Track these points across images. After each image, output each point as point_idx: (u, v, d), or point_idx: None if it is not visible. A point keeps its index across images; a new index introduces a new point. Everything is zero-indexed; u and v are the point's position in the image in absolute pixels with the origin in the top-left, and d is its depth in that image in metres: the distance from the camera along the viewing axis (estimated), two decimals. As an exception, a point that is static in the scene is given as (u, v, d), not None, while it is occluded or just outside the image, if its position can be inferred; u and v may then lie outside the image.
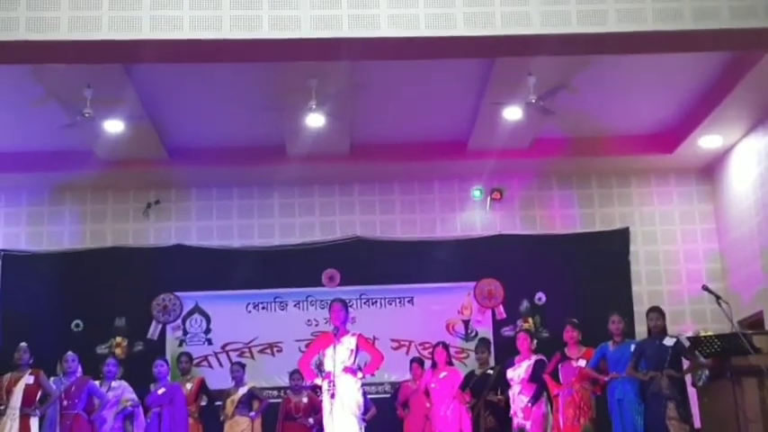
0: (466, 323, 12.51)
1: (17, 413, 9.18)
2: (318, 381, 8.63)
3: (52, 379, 9.77)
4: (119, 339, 12.08)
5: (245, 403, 10.60)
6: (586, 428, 9.03)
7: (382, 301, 12.59)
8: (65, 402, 9.70)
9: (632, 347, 8.79)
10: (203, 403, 10.73)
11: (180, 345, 12.26)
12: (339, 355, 8.39)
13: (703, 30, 7.69)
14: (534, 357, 9.75)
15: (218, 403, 10.77)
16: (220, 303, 12.52)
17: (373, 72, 9.67)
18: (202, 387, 10.74)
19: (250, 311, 12.57)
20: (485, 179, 12.61)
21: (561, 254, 12.41)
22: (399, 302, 12.60)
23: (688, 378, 8.62)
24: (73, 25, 7.43)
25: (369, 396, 10.34)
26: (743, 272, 11.71)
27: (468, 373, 10.54)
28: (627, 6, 7.65)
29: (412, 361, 11.16)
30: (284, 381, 11.48)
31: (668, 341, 8.49)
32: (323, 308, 11.78)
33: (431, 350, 11.03)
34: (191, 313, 12.49)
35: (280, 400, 11.10)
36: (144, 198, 12.64)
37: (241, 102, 10.52)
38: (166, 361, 10.84)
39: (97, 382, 10.11)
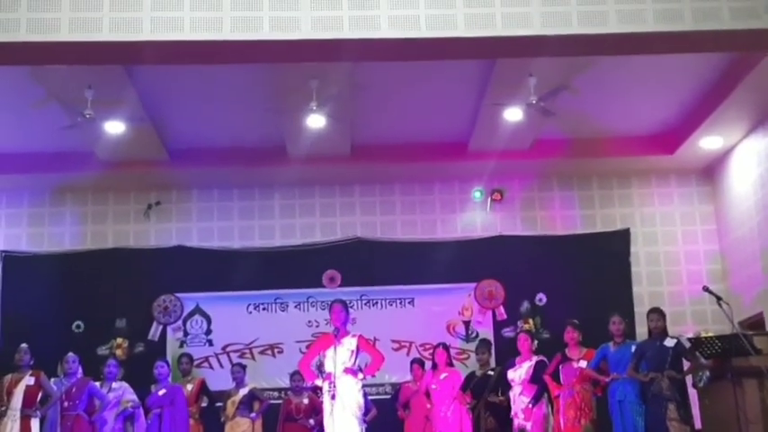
0: (466, 324, 12.51)
1: (18, 414, 9.18)
2: (319, 382, 8.62)
3: (53, 380, 9.77)
4: (119, 340, 12.08)
5: (246, 404, 10.61)
6: (587, 429, 9.04)
7: (383, 302, 12.59)
8: (65, 403, 9.70)
9: (633, 348, 8.80)
10: (204, 404, 10.73)
11: (181, 346, 12.26)
12: (340, 356, 8.38)
13: (704, 31, 7.68)
14: (535, 358, 9.75)
15: (218, 404, 10.77)
16: (221, 304, 12.52)
17: (374, 73, 9.67)
18: (203, 388, 10.73)
19: (251, 312, 12.57)
20: (485, 180, 12.62)
21: (562, 255, 12.42)
22: (400, 303, 12.60)
23: (689, 379, 8.62)
24: (73, 26, 7.42)
25: (369, 397, 10.34)
26: (743, 273, 11.71)
27: (468, 374, 10.54)
28: (627, 7, 7.65)
29: (412, 362, 11.16)
30: (285, 382, 11.48)
31: (669, 342, 8.49)
32: (323, 309, 11.77)
33: (431, 351, 11.01)
34: (191, 314, 12.49)
35: (280, 402, 11.11)
36: (145, 199, 12.65)
37: (242, 103, 10.52)
38: (167, 362, 10.83)
39: (98, 383, 10.11)
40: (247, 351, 12.37)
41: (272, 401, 11.22)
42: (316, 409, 10.19)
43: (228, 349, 12.38)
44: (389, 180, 12.72)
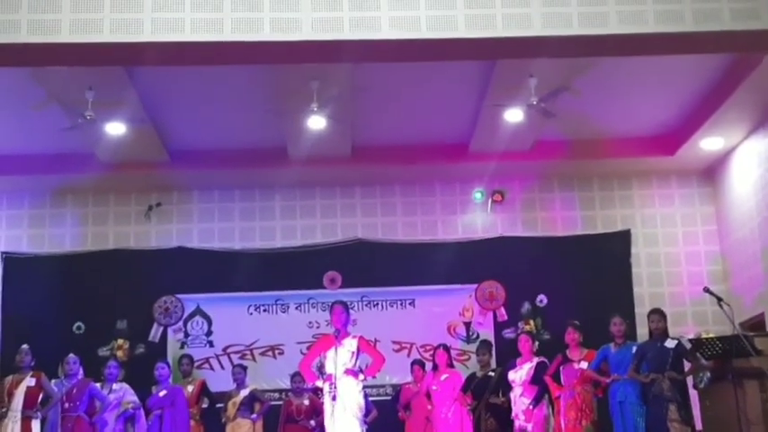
0: (467, 325, 12.51)
1: (18, 415, 9.16)
2: (320, 383, 8.62)
3: (54, 381, 9.76)
4: (120, 342, 12.08)
5: (247, 405, 10.61)
6: (588, 430, 9.04)
7: (383, 303, 12.58)
8: (66, 404, 9.69)
9: (634, 349, 8.79)
10: (204, 405, 10.72)
11: (181, 347, 12.26)
12: (340, 358, 8.38)
13: (704, 32, 7.68)
14: (536, 359, 9.76)
15: (219, 405, 10.77)
16: (222, 305, 12.53)
17: (374, 74, 9.68)
18: (204, 389, 10.73)
19: (251, 314, 12.57)
20: (486, 181, 12.62)
21: (562, 256, 12.41)
22: (401, 304, 12.60)
23: (689, 380, 8.62)
24: (74, 28, 7.42)
25: (370, 398, 10.34)
26: (744, 274, 11.70)
27: (469, 375, 10.56)
28: (628, 8, 7.65)
29: (413, 363, 11.15)
30: (285, 383, 11.49)
31: (669, 343, 8.48)
32: (324, 310, 11.78)
33: (432, 352, 11.00)
34: (192, 315, 12.49)
35: (281, 403, 11.12)
36: (145, 200, 12.65)
37: (242, 104, 10.53)
38: (168, 363, 10.83)
39: (98, 385, 10.10)
40: (248, 352, 12.37)
41: (273, 403, 11.22)
42: (316, 411, 10.19)
43: (229, 350, 12.38)
44: (390, 181, 12.72)
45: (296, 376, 10.58)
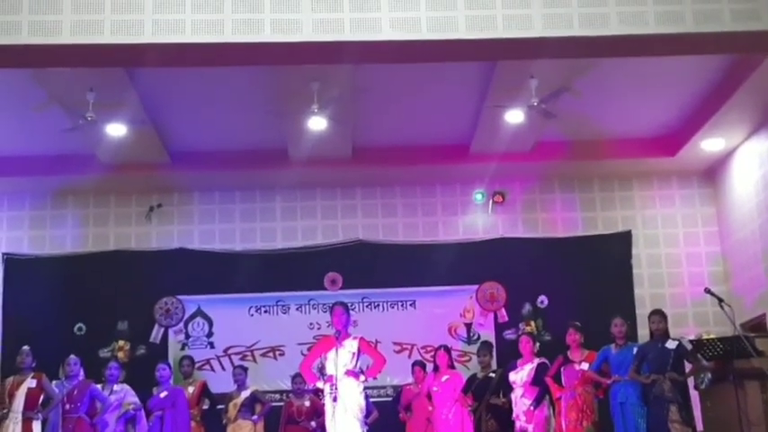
0: (468, 326, 12.50)
1: (20, 417, 9.15)
2: (320, 384, 8.62)
3: (54, 382, 9.75)
4: (121, 343, 12.08)
5: (248, 407, 10.60)
6: (588, 431, 9.04)
7: (384, 304, 12.58)
8: (67, 406, 9.68)
9: (635, 350, 8.80)
10: (205, 407, 10.72)
11: (182, 348, 12.26)
12: (341, 359, 8.39)
13: (705, 33, 7.68)
14: (537, 360, 9.75)
15: (220, 407, 10.76)
16: (223, 307, 12.53)
17: (375, 75, 9.68)
18: (204, 390, 10.73)
19: (252, 315, 12.57)
20: (487, 182, 12.62)
21: (563, 257, 12.41)
22: (401, 306, 12.60)
23: (690, 381, 8.64)
24: (75, 29, 7.42)
25: (371, 399, 10.35)
26: (745, 275, 11.70)
27: (470, 376, 10.55)
28: (628, 9, 7.65)
29: (414, 364, 11.15)
30: (286, 384, 11.50)
31: (670, 344, 8.49)
32: (325, 311, 11.78)
33: (433, 353, 11.02)
34: (193, 317, 12.49)
35: (282, 404, 11.12)
36: (146, 202, 12.65)
37: (243, 105, 10.53)
38: (169, 364, 10.83)
39: (99, 386, 10.10)
40: (249, 353, 12.37)
41: (274, 404, 11.23)
42: (317, 412, 10.19)
43: (230, 351, 12.38)
44: (391, 182, 12.72)
45: (297, 377, 10.59)
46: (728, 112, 10.50)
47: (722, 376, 8.05)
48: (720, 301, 8.09)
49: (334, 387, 8.28)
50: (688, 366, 8.59)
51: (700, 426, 8.70)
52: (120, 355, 11.88)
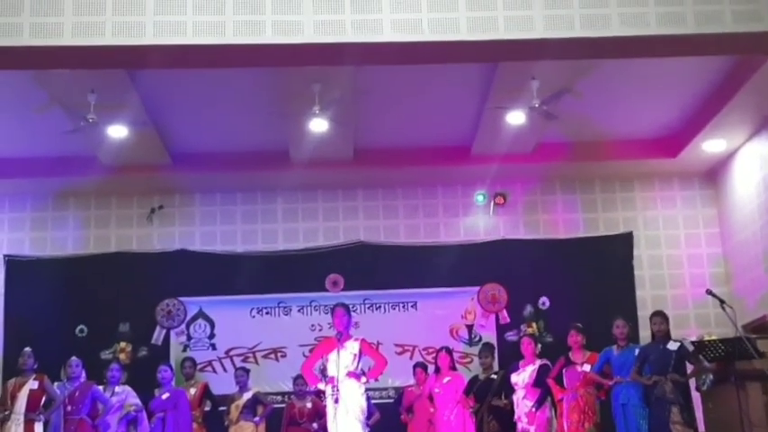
0: (469, 328, 12.50)
1: (21, 418, 9.17)
2: (322, 386, 8.63)
3: (56, 384, 9.75)
4: (123, 344, 12.08)
5: (250, 408, 10.59)
6: (590, 433, 9.05)
7: (386, 305, 12.58)
8: (69, 407, 9.68)
9: (636, 352, 8.79)
10: (207, 408, 10.73)
11: (184, 350, 12.26)
12: (342, 360, 8.39)
13: (706, 34, 7.68)
14: (538, 362, 9.75)
15: (221, 408, 10.77)
16: (224, 308, 12.52)
17: (376, 77, 9.67)
18: (206, 392, 10.72)
19: (254, 316, 12.56)
20: (488, 184, 12.61)
21: (565, 258, 12.41)
22: (403, 307, 12.59)
23: (692, 382, 8.63)
24: (76, 31, 7.43)
25: (372, 401, 10.35)
26: (747, 276, 11.70)
27: (471, 377, 10.55)
28: (630, 10, 7.65)
29: (415, 366, 11.16)
30: (288, 386, 11.49)
31: (672, 345, 8.48)
32: (327, 313, 11.75)
33: (434, 355, 11.02)
34: (194, 318, 12.49)
35: (284, 405, 11.12)
36: (148, 203, 12.65)
37: (244, 107, 10.53)
38: (170, 366, 10.83)
39: (101, 387, 10.10)
40: (250, 355, 12.36)
41: (276, 405, 11.21)
42: (319, 413, 10.19)
43: (232, 353, 12.37)
44: (392, 184, 12.72)
45: (298, 379, 10.58)
46: (730, 113, 10.50)
47: (724, 378, 8.03)
48: (722, 302, 8.09)
49: (335, 388, 8.28)
50: (690, 368, 8.58)
51: (701, 427, 8.69)
52: (122, 356, 11.89)
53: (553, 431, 9.62)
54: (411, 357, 12.15)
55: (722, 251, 12.54)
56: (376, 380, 9.23)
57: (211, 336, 12.46)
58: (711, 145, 11.64)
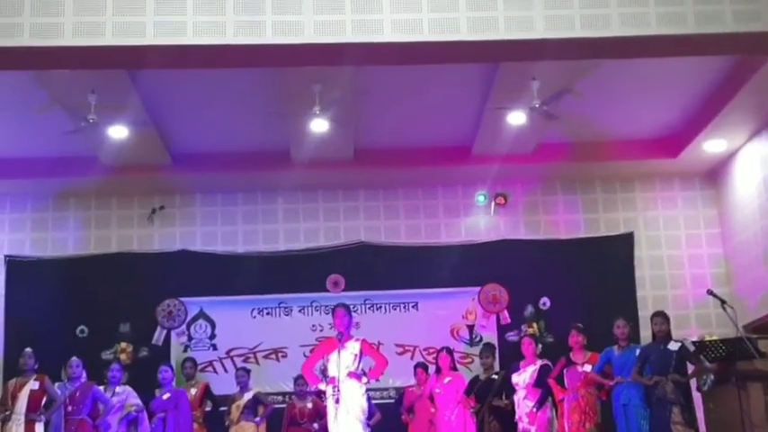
0: (470, 328, 12.49)
1: (22, 419, 9.18)
2: (323, 386, 8.63)
3: (57, 384, 9.76)
4: (123, 345, 12.08)
5: (251, 409, 10.60)
6: (591, 433, 9.04)
7: (387, 306, 12.58)
8: (69, 408, 9.69)
9: (637, 352, 8.79)
10: (208, 409, 10.74)
11: (184, 350, 12.26)
12: (343, 361, 8.40)
13: (707, 34, 7.68)
14: (539, 362, 9.75)
15: (222, 409, 10.77)
16: (225, 309, 12.52)
17: (377, 77, 9.67)
18: (207, 392, 10.73)
19: (255, 317, 12.56)
20: (489, 184, 12.60)
21: (565, 259, 12.40)
22: (404, 308, 12.59)
23: (693, 382, 8.62)
24: (77, 31, 7.43)
25: (373, 401, 10.35)
26: (748, 276, 11.69)
27: (472, 378, 10.55)
28: (630, 11, 7.64)
29: (416, 366, 11.17)
30: (289, 386, 11.48)
31: (673, 346, 8.48)
32: (327, 313, 11.74)
33: (435, 355, 11.01)
34: (195, 319, 12.49)
35: (284, 406, 11.13)
36: (148, 204, 12.65)
37: (245, 107, 10.53)
38: (171, 366, 10.84)
39: (102, 388, 10.11)
40: (251, 355, 12.36)
41: (277, 406, 11.21)
42: (320, 414, 10.19)
43: (232, 353, 12.37)
44: (393, 184, 12.71)
45: (299, 379, 10.58)
46: (730, 113, 10.49)
47: (725, 378, 8.03)
48: (723, 302, 8.09)
49: (336, 389, 8.29)
50: (690, 368, 8.57)
51: (702, 427, 8.68)
52: (123, 357, 11.89)
53: (554, 431, 9.61)
54: (412, 358, 12.15)
55: (723, 251, 12.53)
56: (377, 380, 9.22)
57: (212, 336, 12.46)
58: (712, 145, 11.64)
